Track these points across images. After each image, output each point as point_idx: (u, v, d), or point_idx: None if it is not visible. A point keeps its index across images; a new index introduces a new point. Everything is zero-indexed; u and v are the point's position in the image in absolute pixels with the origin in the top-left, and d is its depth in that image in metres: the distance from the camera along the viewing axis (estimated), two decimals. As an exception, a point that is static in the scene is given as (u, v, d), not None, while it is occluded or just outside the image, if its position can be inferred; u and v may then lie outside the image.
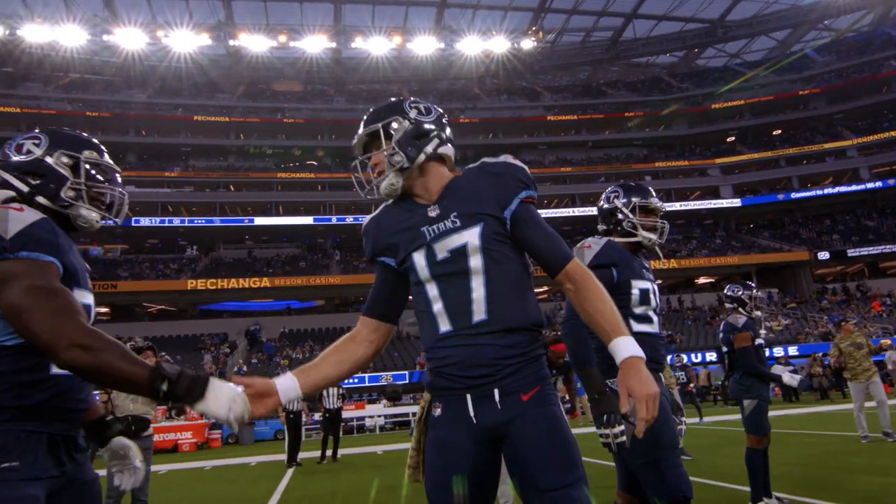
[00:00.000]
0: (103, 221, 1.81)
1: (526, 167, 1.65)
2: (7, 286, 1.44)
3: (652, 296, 2.59)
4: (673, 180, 39.67)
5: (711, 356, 26.37)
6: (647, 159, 41.86)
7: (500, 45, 39.60)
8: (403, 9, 39.11)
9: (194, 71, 39.67)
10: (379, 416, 20.49)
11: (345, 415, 16.05)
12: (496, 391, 1.53)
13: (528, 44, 39.72)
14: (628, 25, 42.22)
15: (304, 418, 10.90)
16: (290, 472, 9.11)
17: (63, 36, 34.52)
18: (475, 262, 1.56)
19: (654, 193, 2.79)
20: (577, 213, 37.60)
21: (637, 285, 2.55)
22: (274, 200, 37.37)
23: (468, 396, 1.55)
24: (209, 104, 40.59)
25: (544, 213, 37.41)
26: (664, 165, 40.74)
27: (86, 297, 1.67)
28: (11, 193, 1.68)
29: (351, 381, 23.79)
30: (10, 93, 37.27)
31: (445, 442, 1.56)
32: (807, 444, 7.81)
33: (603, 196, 2.86)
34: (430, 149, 1.65)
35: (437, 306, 1.59)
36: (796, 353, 26.13)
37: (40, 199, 1.69)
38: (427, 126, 1.68)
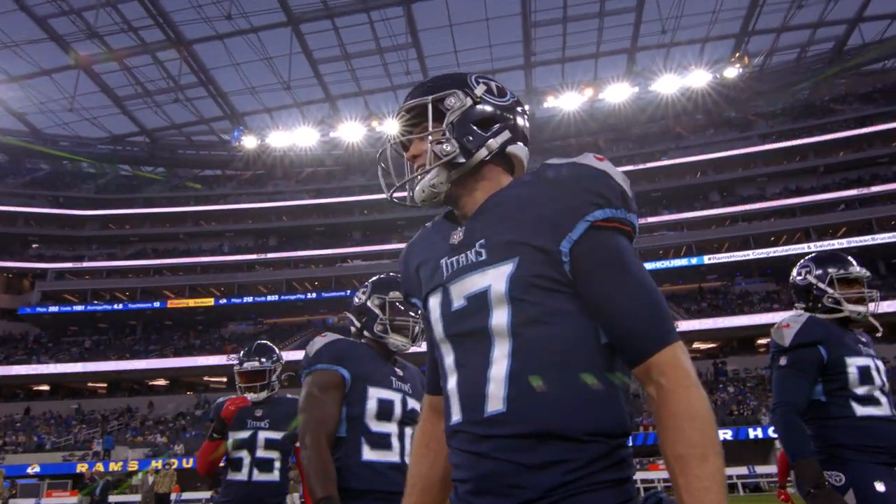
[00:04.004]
0: (408, 345, 2.20)
1: (613, 172, 1.05)
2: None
3: (875, 373, 2.28)
4: (939, 199, 33.10)
5: None
6: (898, 177, 35.62)
7: (700, 78, 37.35)
8: (593, 61, 39.13)
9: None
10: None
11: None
12: None
13: (732, 72, 36.86)
14: (853, 31, 37.22)
15: None
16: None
17: (299, 138, 40.40)
18: (499, 318, 1.01)
19: (853, 262, 2.45)
20: (813, 248, 32.95)
21: (853, 363, 2.28)
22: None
23: None
24: (417, 179, 44.06)
25: (770, 252, 33.52)
26: (925, 183, 34.23)
27: (380, 393, 2.10)
28: (354, 329, 2.30)
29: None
30: (260, 190, 44.44)
31: None
32: None
33: (794, 271, 2.59)
34: (496, 143, 1.13)
35: (452, 382, 1.08)
36: None
37: (366, 333, 2.21)
38: (497, 110, 1.16)
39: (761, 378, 27.98)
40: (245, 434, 2.94)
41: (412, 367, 2.34)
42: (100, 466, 18.78)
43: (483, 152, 1.12)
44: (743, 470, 19.92)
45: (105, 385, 36.13)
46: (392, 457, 2.01)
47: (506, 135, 1.15)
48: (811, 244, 33.34)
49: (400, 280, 1.31)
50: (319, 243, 40.80)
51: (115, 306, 37.14)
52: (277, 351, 3.13)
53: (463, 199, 1.15)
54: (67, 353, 35.76)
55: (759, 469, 20.69)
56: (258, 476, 2.87)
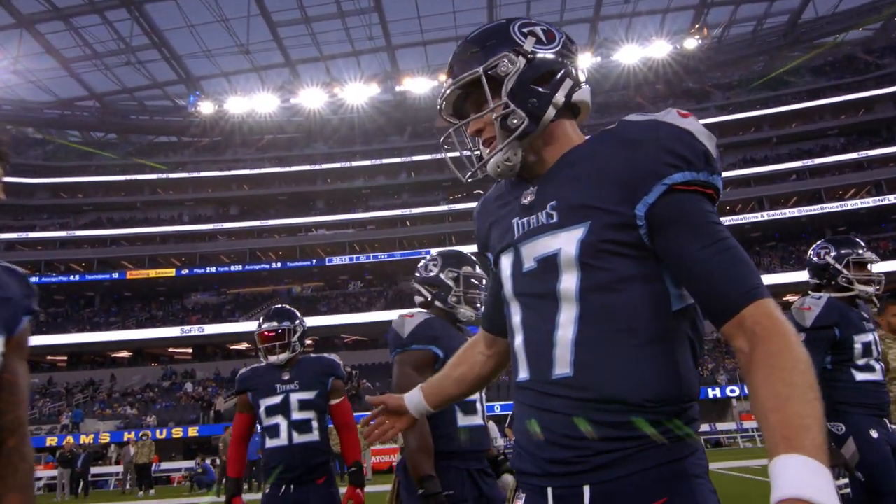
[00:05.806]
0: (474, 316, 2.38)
1: (698, 131, 0.99)
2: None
3: (874, 346, 2.72)
4: (883, 169, 34.77)
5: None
6: (846, 149, 37.23)
7: (660, 49, 37.95)
8: (557, 29, 39.14)
9: (366, 119, 42.93)
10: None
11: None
12: (586, 490, 0.97)
13: (691, 43, 37.61)
14: (808, 5, 38.30)
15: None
16: None
17: (259, 104, 39.34)
18: (567, 283, 1.00)
19: (864, 246, 2.87)
20: (766, 218, 34.38)
21: (860, 340, 2.69)
22: (446, 231, 38.94)
23: (549, 491, 1.01)
24: (382, 147, 43.63)
25: (726, 220, 34.70)
26: (871, 154, 35.87)
27: None
28: (421, 299, 2.42)
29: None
30: (219, 158, 43.26)
31: None
32: None
33: (812, 251, 2.99)
34: (561, 96, 1.07)
35: (519, 339, 1.09)
36: None
37: (437, 304, 2.36)
38: (553, 59, 1.08)
39: (717, 341, 29.32)
40: (276, 399, 2.90)
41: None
42: (70, 440, 18.48)
43: (551, 112, 1.07)
44: (705, 427, 21.13)
45: (65, 358, 35.16)
46: (478, 420, 2.24)
47: (568, 84, 1.08)
48: (764, 213, 34.74)
49: (475, 234, 1.31)
50: (282, 212, 40.16)
51: (71, 277, 35.92)
52: (299, 315, 3.12)
53: (532, 160, 1.10)
54: (22, 326, 34.51)
55: (719, 426, 22.04)
56: (298, 438, 2.85)
